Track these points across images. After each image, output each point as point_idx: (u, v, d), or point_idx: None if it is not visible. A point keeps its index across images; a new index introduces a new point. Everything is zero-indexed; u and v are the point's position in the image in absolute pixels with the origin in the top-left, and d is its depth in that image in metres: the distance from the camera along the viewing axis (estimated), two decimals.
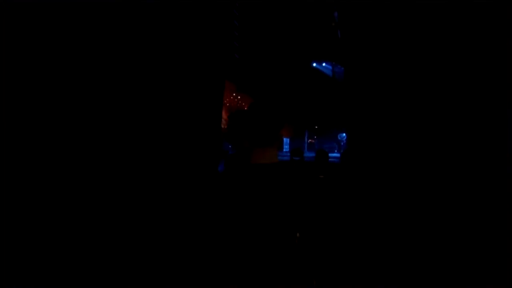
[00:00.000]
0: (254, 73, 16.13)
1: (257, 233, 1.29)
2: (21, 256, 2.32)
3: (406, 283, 2.51)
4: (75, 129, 2.69)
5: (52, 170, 2.55)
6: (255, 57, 16.05)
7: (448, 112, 2.83)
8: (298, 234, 1.36)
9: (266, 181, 1.35)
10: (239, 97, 17.77)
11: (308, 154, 14.04)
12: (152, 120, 3.07)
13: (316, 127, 20.87)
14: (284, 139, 18.95)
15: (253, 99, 14.94)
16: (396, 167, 3.07)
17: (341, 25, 3.92)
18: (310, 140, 20.89)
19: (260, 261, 1.27)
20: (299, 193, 1.40)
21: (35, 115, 2.51)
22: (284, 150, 18.08)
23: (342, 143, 18.52)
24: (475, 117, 2.70)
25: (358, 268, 2.69)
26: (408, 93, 3.06)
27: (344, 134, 18.42)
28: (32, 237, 2.40)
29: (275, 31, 15.53)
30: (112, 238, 2.69)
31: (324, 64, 17.47)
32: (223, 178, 1.45)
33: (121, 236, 2.71)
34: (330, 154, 10.97)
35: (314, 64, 17.38)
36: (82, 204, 2.63)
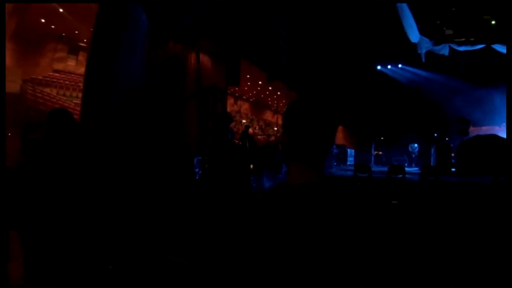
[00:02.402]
0: (305, 74, 13.52)
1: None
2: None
3: None
4: None
5: None
6: (306, 57, 13.49)
7: None
8: None
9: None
10: (270, 88, 14.54)
11: (376, 169, 12.50)
12: None
13: (382, 138, 19.02)
14: (349, 150, 17.46)
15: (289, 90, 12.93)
16: None
17: None
18: (376, 152, 19.03)
19: None
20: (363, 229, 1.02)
21: None
22: (348, 163, 16.65)
23: (413, 155, 16.46)
24: None
25: None
26: None
27: (416, 145, 16.33)
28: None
29: (329, 28, 13.13)
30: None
31: (389, 67, 15.84)
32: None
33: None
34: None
35: (379, 67, 15.80)
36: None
